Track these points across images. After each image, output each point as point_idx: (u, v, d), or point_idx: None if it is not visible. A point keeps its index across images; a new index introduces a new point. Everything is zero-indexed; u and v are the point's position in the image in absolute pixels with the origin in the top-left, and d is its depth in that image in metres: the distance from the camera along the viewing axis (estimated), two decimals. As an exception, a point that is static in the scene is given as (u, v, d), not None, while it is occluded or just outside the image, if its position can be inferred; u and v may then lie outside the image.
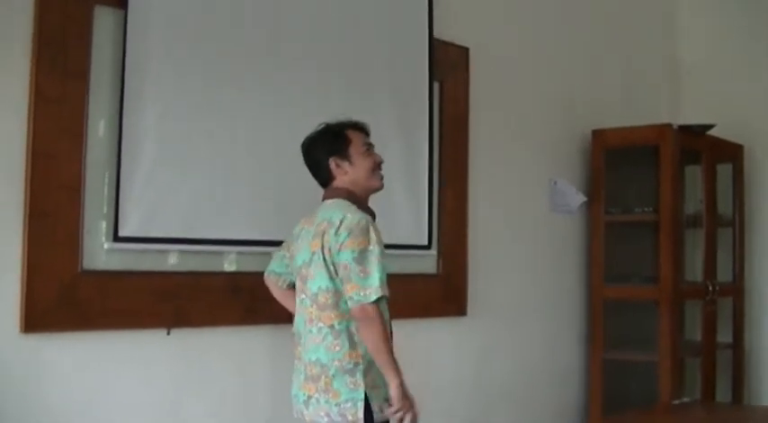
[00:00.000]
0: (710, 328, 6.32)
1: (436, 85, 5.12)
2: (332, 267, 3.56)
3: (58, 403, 3.63)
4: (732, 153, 6.61)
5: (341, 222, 3.55)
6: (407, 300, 4.73)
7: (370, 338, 3.47)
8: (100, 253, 3.76)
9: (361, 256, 3.49)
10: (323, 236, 3.58)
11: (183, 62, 4.01)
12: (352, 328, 3.56)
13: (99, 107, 3.78)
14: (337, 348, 3.55)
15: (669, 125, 5.92)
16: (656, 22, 7.22)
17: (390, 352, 3.47)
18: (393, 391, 3.46)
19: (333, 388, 3.54)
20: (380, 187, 3.83)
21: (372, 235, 3.54)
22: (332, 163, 3.74)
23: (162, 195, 3.91)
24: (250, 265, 4.23)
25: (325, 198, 3.80)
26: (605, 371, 6.05)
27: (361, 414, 3.48)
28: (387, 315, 3.58)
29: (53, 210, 3.60)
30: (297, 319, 3.82)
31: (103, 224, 3.77)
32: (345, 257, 3.50)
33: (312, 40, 4.51)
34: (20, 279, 3.53)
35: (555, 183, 6.04)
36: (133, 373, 3.87)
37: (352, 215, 3.57)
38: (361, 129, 3.83)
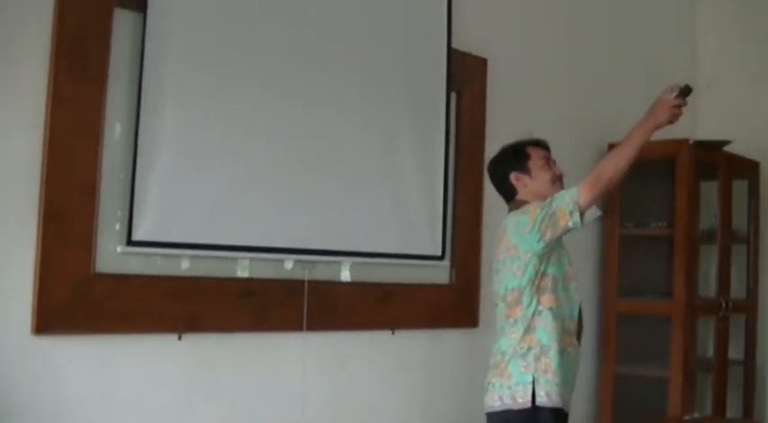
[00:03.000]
0: (723, 344, 6.29)
1: (453, 96, 5.11)
2: (516, 263, 3.75)
3: (68, 405, 3.63)
4: (748, 169, 6.58)
5: (516, 216, 3.79)
6: (420, 309, 4.74)
7: (604, 168, 3.70)
8: (113, 256, 3.76)
9: (545, 207, 3.67)
10: (502, 241, 3.85)
11: (201, 66, 4.01)
12: (529, 316, 3.72)
13: (116, 109, 3.79)
14: (513, 335, 3.73)
15: (686, 140, 5.90)
16: (675, 37, 7.19)
17: (624, 145, 3.70)
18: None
19: (507, 372, 3.71)
20: None
21: (545, 200, 3.72)
22: (512, 177, 3.95)
23: (177, 199, 3.91)
24: (263, 272, 4.24)
25: (509, 211, 3.98)
26: (616, 385, 6.02)
27: (529, 397, 3.62)
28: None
29: (68, 211, 3.60)
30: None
31: (117, 227, 3.77)
32: (536, 219, 3.67)
33: (330, 46, 4.51)
34: (32, 280, 3.53)
35: (570, 196, 6.02)
36: (143, 377, 3.87)
37: (524, 207, 3.79)
38: (540, 145, 4.03)
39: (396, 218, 4.57)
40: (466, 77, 5.20)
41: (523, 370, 3.66)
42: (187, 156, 3.96)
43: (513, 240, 3.76)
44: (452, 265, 5.10)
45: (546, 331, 3.68)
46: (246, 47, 4.18)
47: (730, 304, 6.26)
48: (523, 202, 3.88)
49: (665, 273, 6.09)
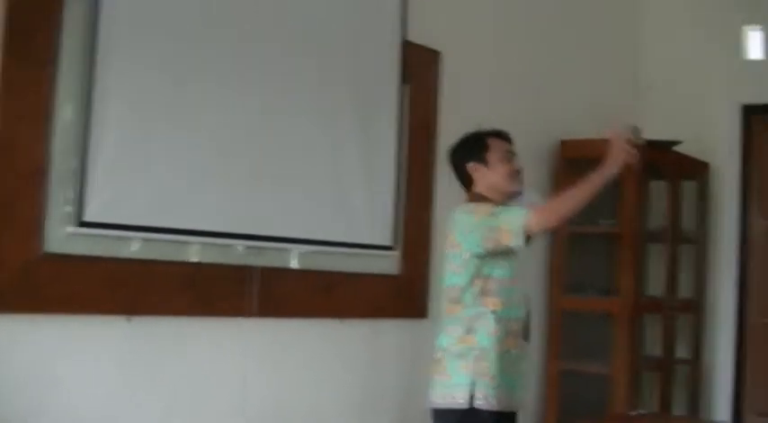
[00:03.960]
0: (669, 342, 6.38)
1: (406, 88, 5.14)
2: (457, 261, 3.79)
3: (10, 385, 3.63)
4: (697, 170, 6.68)
5: (463, 214, 3.82)
6: (368, 299, 4.77)
7: (561, 204, 3.72)
8: (62, 237, 3.75)
9: (492, 217, 3.71)
10: (449, 235, 3.87)
11: (153, 51, 4.02)
12: (471, 317, 3.73)
13: (68, 93, 3.77)
14: (454, 333, 3.75)
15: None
16: (624, 36, 7.28)
17: (583, 187, 3.68)
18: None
19: (447, 371, 3.74)
20: (518, 191, 3.97)
21: (497, 208, 3.76)
22: (469, 167, 3.93)
23: (128, 182, 3.92)
24: (213, 257, 4.25)
25: (465, 201, 3.99)
26: (562, 381, 6.08)
27: (467, 398, 3.65)
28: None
29: (13, 196, 3.60)
30: None
31: (68, 208, 3.77)
32: (480, 224, 3.72)
33: (281, 35, 4.53)
34: (-23, 263, 3.53)
35: (520, 192, 6.06)
36: (87, 359, 3.87)
37: (474, 205, 3.83)
38: (502, 137, 4.02)
39: (345, 207, 4.60)
40: (418, 70, 5.24)
41: (463, 371, 3.68)
42: (139, 139, 3.96)
43: (458, 238, 3.80)
44: (402, 255, 5.13)
45: (487, 334, 3.70)
46: (198, 32, 4.19)
47: (677, 303, 6.34)
48: (478, 196, 3.91)
49: (611, 271, 6.15)
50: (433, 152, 5.26)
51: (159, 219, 4.03)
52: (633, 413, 5.57)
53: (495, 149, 3.94)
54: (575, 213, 3.67)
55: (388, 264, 5.09)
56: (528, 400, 6.07)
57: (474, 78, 5.69)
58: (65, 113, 3.78)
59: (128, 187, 3.92)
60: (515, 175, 3.94)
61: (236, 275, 4.33)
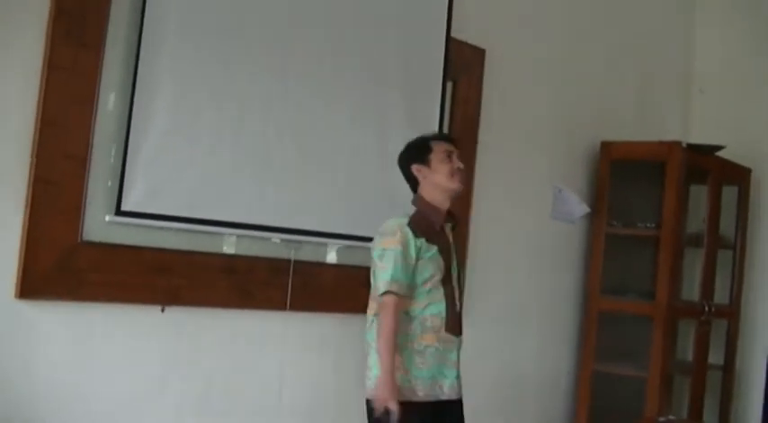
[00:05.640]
0: (703, 348, 6.33)
1: (449, 85, 5.12)
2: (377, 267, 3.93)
3: (46, 370, 3.66)
4: (739, 176, 6.61)
5: (378, 232, 3.98)
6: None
7: (379, 326, 3.81)
8: (101, 225, 3.77)
9: (383, 254, 3.86)
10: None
11: (199, 41, 4.02)
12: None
13: (111, 80, 3.79)
14: (374, 330, 3.91)
15: (678, 143, 5.92)
16: (672, 41, 7.20)
17: (386, 343, 3.75)
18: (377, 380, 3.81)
19: (369, 364, 3.94)
20: (458, 188, 4.12)
21: (399, 238, 3.87)
22: (414, 169, 4.09)
23: (167, 172, 3.91)
24: (250, 249, 4.26)
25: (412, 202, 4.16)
26: (594, 383, 6.04)
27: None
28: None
29: (57, 178, 3.61)
30: None
31: (107, 196, 3.77)
32: (374, 255, 3.92)
33: (328, 29, 4.52)
34: (19, 245, 3.54)
35: (560, 190, 6.04)
36: (123, 348, 3.89)
37: (392, 221, 3.97)
38: (444, 139, 4.23)
39: (386, 203, 4.55)
40: (463, 67, 5.21)
41: (379, 365, 3.80)
42: (181, 130, 3.96)
43: (373, 255, 3.96)
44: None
45: (402, 332, 3.85)
46: (247, 24, 4.18)
47: (713, 309, 6.29)
48: (417, 199, 4.10)
49: (649, 274, 6.10)
50: (476, 150, 5.24)
51: (198, 210, 4.03)
52: (662, 419, 5.52)
53: (437, 151, 4.09)
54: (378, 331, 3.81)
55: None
56: (558, 400, 6.09)
57: (519, 76, 5.67)
58: (108, 99, 3.79)
59: (168, 178, 3.92)
60: (456, 173, 4.06)
61: (273, 268, 4.33)
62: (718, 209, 6.38)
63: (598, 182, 6.18)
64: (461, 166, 4.10)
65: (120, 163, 3.78)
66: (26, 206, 3.55)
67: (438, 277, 3.95)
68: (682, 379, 6.38)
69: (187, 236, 4.03)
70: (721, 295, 6.54)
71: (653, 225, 6.00)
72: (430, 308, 3.93)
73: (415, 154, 4.12)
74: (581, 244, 6.26)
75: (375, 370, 3.83)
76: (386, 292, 3.78)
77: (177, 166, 3.95)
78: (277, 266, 4.34)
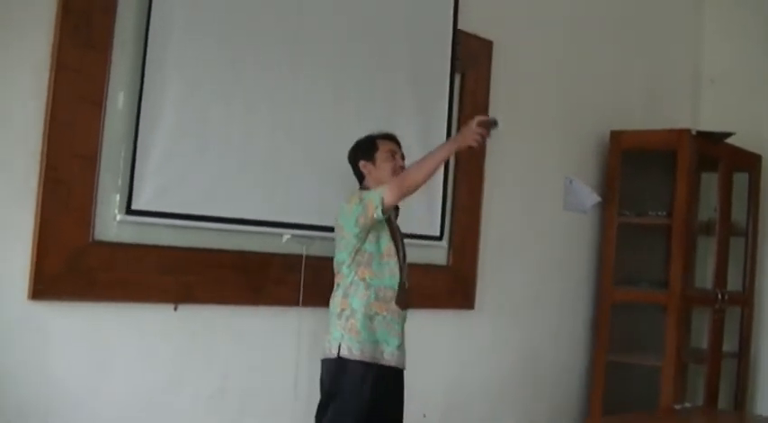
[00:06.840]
0: (717, 336, 6.31)
1: (457, 77, 5.11)
2: (342, 241, 4.17)
3: (59, 370, 3.66)
4: (750, 162, 6.59)
5: (344, 203, 4.19)
6: (417, 290, 4.74)
7: (406, 177, 4.08)
8: (112, 224, 3.78)
9: (361, 200, 4.09)
10: (337, 221, 4.20)
11: (206, 40, 4.02)
12: (347, 284, 4.15)
13: (120, 79, 3.79)
14: (336, 299, 4.17)
15: (688, 131, 5.91)
16: (682, 29, 7.19)
17: (429, 157, 4.04)
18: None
19: (330, 329, 4.17)
20: None
21: (363, 192, 4.16)
22: (361, 165, 4.31)
23: (177, 170, 3.92)
24: (261, 246, 4.26)
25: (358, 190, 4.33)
26: (608, 372, 6.04)
27: (335, 350, 4.09)
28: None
29: (67, 178, 3.61)
30: None
31: (117, 196, 3.78)
32: (354, 207, 4.09)
33: (336, 26, 4.52)
34: (30, 246, 3.54)
35: (570, 181, 6.04)
36: (136, 347, 3.89)
37: (350, 196, 4.18)
38: (389, 138, 4.37)
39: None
40: (471, 60, 5.21)
41: (338, 328, 4.10)
42: (190, 128, 3.96)
43: (341, 222, 4.16)
44: (450, 246, 5.11)
45: (357, 298, 4.11)
46: (253, 20, 4.18)
47: (726, 296, 6.27)
48: (366, 189, 4.23)
49: (661, 263, 6.10)
50: (484, 143, 5.21)
51: (208, 207, 4.04)
52: (678, 407, 5.50)
53: (382, 150, 4.32)
54: (421, 183, 4.06)
55: (438, 254, 5.09)
56: (572, 389, 6.09)
57: (526, 68, 5.66)
58: (117, 99, 3.79)
59: (178, 176, 3.92)
60: (398, 171, 4.26)
61: (285, 264, 4.34)
62: (729, 196, 6.36)
63: (609, 171, 6.18)
64: (404, 164, 4.32)
65: (130, 162, 3.78)
66: (36, 207, 3.55)
67: (393, 253, 4.20)
68: (696, 367, 6.38)
69: (198, 233, 4.04)
70: (734, 282, 6.52)
71: (664, 214, 5.99)
72: (384, 280, 4.16)
73: (362, 151, 4.33)
74: (593, 234, 6.25)
75: (335, 333, 4.09)
76: (382, 196, 4.00)
77: (187, 163, 3.95)
78: (289, 262, 4.34)
